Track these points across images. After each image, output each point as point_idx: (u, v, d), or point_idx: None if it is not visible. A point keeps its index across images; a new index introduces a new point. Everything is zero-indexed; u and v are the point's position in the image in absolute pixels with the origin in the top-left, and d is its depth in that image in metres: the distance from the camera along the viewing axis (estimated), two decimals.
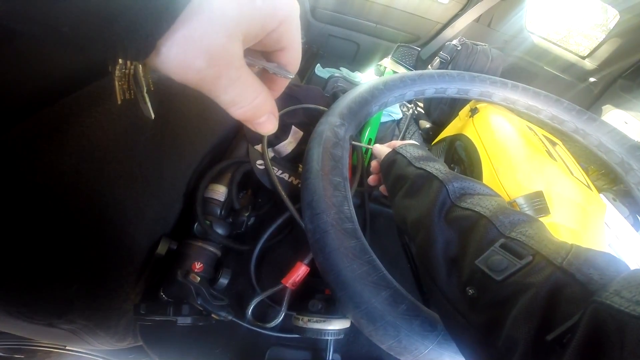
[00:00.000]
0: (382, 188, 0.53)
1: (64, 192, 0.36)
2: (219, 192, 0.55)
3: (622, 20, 1.32)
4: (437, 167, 0.40)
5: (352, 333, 0.54)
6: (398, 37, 1.63)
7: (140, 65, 0.20)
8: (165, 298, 0.45)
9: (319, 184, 0.48)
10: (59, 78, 0.42)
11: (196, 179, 0.58)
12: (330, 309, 0.49)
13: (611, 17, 1.35)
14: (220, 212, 0.54)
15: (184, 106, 0.54)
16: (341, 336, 0.49)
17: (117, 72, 0.21)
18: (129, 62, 0.20)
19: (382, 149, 0.50)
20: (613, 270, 0.23)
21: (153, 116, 0.23)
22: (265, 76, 0.25)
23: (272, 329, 0.50)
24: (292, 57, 0.23)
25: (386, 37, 1.67)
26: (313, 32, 1.70)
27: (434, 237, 0.34)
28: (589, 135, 0.75)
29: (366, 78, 1.12)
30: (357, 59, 1.81)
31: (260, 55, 0.23)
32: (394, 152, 0.46)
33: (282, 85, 0.26)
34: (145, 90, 0.21)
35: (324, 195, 0.47)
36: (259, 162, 0.60)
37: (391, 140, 0.88)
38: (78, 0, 0.14)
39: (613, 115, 1.32)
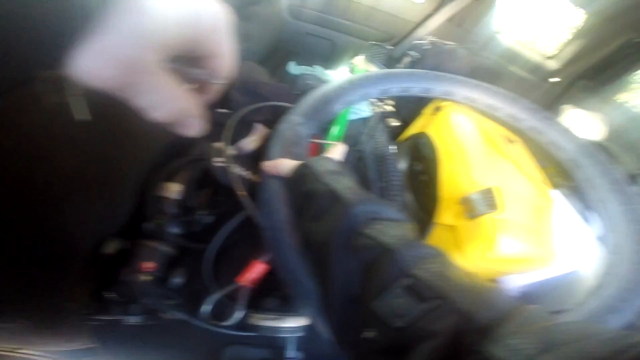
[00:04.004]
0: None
1: None
2: (174, 190, 0.54)
3: (586, 22, 1.38)
4: (347, 185, 0.37)
5: (315, 330, 0.54)
6: (371, 36, 1.65)
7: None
8: (113, 298, 0.45)
9: (275, 181, 0.48)
10: None
11: (150, 177, 0.56)
12: (292, 307, 0.49)
13: (578, 19, 1.41)
14: (175, 210, 0.53)
15: None
16: (299, 333, 0.49)
17: (40, 78, 0.21)
18: None
19: (289, 162, 0.45)
20: (510, 312, 0.23)
21: (90, 118, 0.24)
22: (197, 81, 0.26)
23: (229, 327, 0.50)
24: (221, 63, 0.25)
25: (360, 36, 1.68)
26: (289, 30, 1.69)
27: (334, 270, 0.30)
28: (543, 134, 0.78)
29: (338, 76, 1.12)
30: (332, 57, 1.81)
31: (191, 62, 0.25)
32: (303, 165, 0.42)
33: (214, 90, 0.27)
34: (72, 94, 0.22)
35: (280, 193, 0.47)
36: (218, 159, 0.60)
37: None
38: None
39: (573, 115, 1.38)
